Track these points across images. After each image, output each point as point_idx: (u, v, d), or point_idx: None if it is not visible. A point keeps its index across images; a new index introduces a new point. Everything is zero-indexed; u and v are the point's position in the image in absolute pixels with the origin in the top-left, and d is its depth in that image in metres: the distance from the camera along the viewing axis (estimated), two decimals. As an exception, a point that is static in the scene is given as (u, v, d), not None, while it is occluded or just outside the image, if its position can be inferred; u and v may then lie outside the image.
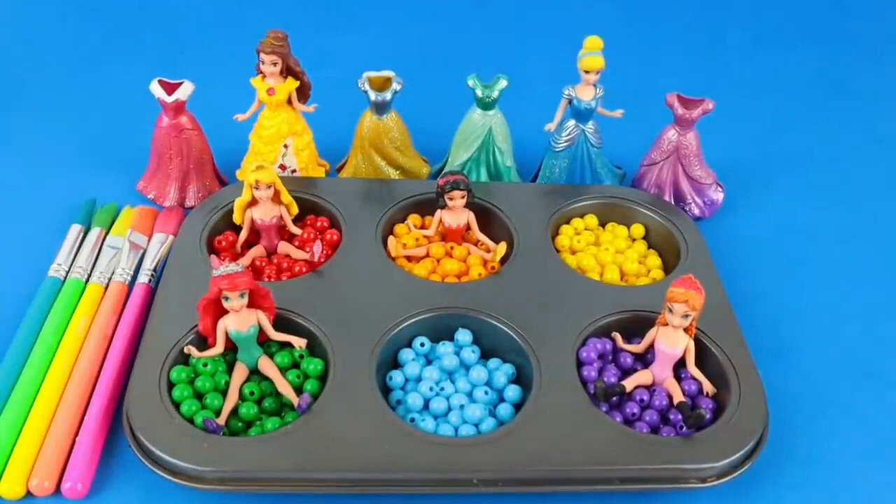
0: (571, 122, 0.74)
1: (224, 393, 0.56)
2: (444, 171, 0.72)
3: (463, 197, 0.67)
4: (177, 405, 0.54)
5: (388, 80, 0.73)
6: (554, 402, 0.56)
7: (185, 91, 0.71)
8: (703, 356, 0.60)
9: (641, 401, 0.58)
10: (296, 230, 0.68)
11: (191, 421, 0.54)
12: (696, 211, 0.78)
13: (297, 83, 0.73)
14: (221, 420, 0.54)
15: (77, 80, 0.94)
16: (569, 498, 0.54)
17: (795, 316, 0.70)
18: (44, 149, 0.83)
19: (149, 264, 0.67)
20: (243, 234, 0.68)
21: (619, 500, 0.55)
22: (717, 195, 0.78)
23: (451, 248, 0.69)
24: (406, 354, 0.60)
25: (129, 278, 0.67)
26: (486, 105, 0.74)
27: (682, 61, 1.03)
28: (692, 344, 0.58)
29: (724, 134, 0.82)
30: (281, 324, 0.59)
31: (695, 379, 0.59)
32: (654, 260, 0.71)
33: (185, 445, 0.51)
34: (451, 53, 1.01)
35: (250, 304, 0.57)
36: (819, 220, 0.80)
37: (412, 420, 0.56)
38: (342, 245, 0.68)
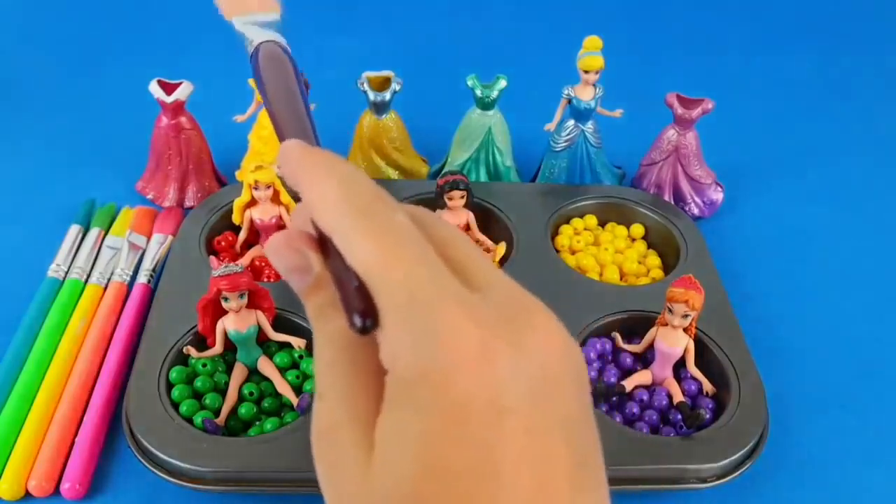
0: (571, 122, 0.74)
1: (223, 393, 0.56)
2: (443, 171, 0.71)
3: (462, 197, 0.67)
4: (176, 405, 0.54)
5: (387, 80, 0.73)
6: (553, 403, 0.55)
7: (184, 91, 0.71)
8: (703, 356, 0.59)
9: (641, 401, 0.58)
10: (295, 230, 0.68)
11: (190, 421, 0.54)
12: (696, 211, 0.77)
13: (297, 83, 0.72)
14: (221, 420, 0.54)
15: (76, 80, 0.93)
16: (568, 498, 0.54)
17: (795, 316, 0.69)
18: (43, 149, 0.83)
19: (148, 265, 0.67)
20: (242, 235, 0.68)
21: (619, 500, 0.55)
22: (717, 195, 0.78)
23: (451, 248, 0.69)
24: (405, 354, 0.60)
25: (128, 279, 0.67)
26: (485, 105, 0.74)
27: (682, 61, 1.03)
28: (692, 344, 0.58)
29: (724, 134, 0.82)
30: (280, 324, 0.59)
31: (695, 379, 0.59)
32: (654, 260, 0.71)
33: (185, 446, 0.51)
34: (450, 53, 1.01)
35: (250, 305, 0.57)
36: (819, 219, 0.80)
37: (412, 420, 0.56)
38: (341, 245, 0.67)
